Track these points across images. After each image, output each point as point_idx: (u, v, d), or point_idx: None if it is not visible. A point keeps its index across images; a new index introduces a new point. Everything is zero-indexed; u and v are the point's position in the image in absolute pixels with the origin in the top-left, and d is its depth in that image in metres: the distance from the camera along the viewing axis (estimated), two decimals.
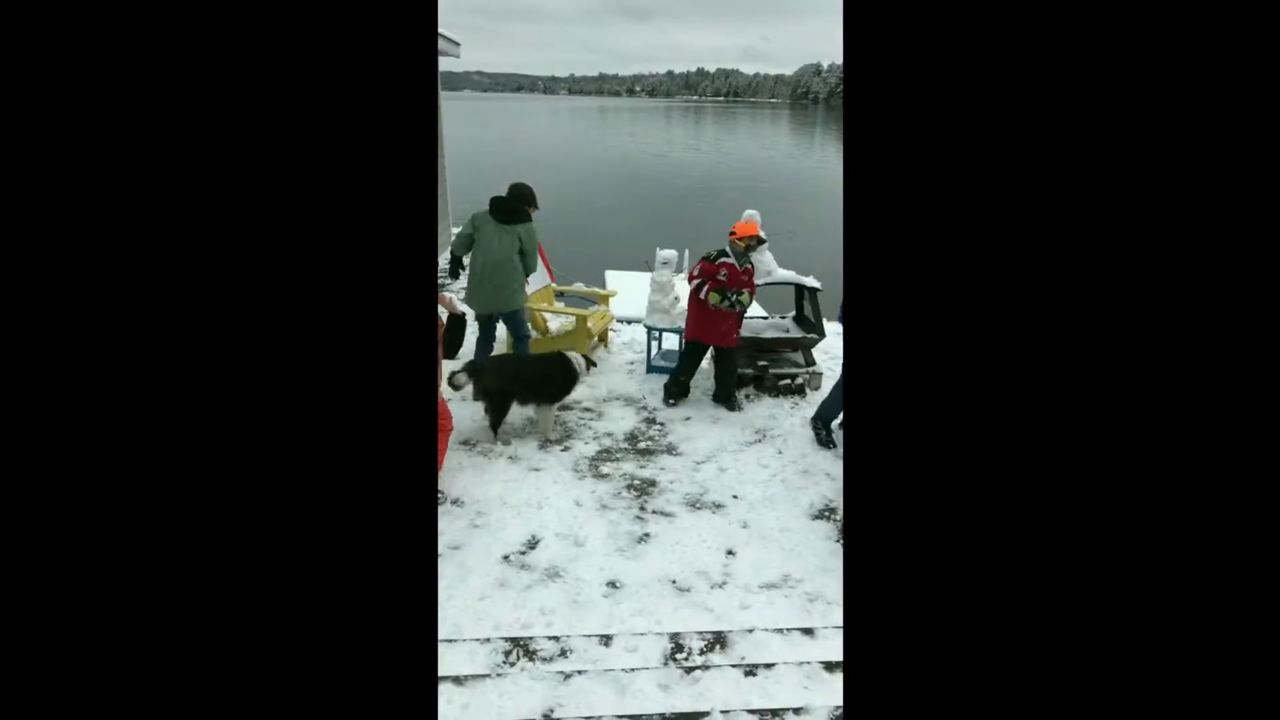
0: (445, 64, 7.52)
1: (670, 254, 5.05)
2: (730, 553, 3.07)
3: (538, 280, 5.35)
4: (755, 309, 5.63)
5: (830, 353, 5.49)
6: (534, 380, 4.02)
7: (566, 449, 3.97)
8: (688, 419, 4.41)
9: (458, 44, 7.28)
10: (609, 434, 4.17)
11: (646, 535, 3.17)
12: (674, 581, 2.86)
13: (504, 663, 2.40)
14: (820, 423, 4.20)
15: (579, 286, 6.40)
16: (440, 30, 6.62)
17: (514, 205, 4.27)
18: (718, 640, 2.54)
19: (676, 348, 5.12)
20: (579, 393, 4.73)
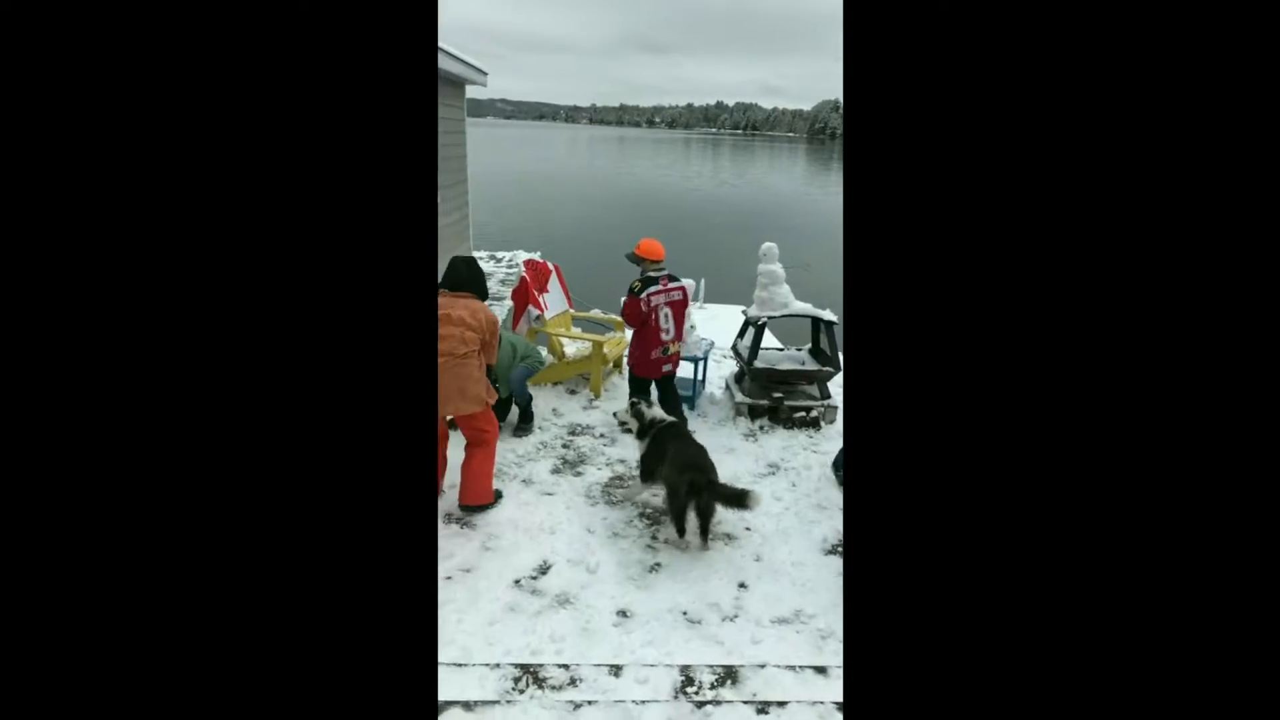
0: (471, 91, 7.70)
1: (687, 283, 5.08)
2: (742, 585, 3.04)
3: (556, 306, 5.40)
4: (769, 339, 5.63)
5: None
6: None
7: (579, 474, 3.96)
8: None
9: (485, 73, 7.44)
10: (621, 460, 4.16)
11: (658, 565, 3.15)
12: (685, 613, 2.83)
13: (513, 689, 2.38)
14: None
15: (596, 313, 6.45)
16: (467, 59, 6.78)
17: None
18: (729, 675, 2.50)
19: (691, 375, 5.13)
20: (593, 418, 4.74)
